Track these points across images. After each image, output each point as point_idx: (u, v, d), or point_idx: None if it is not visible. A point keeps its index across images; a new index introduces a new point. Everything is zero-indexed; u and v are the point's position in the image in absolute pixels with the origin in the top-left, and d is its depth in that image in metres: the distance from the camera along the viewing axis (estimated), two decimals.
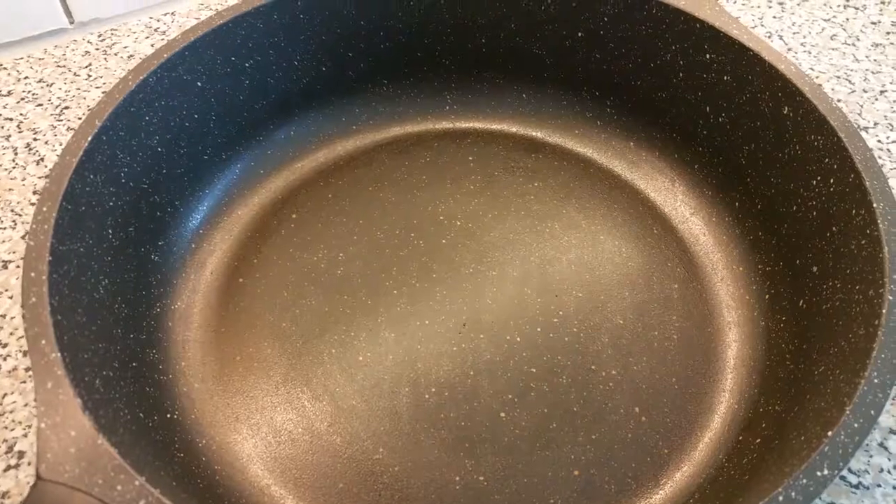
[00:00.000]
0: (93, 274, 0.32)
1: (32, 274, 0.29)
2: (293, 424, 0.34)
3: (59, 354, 0.26)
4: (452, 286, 0.38)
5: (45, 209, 0.31)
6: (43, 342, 0.27)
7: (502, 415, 0.34)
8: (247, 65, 0.41)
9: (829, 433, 0.25)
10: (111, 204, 0.34)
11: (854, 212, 0.31)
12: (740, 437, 0.33)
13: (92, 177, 0.33)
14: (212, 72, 0.39)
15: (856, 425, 0.25)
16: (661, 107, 0.41)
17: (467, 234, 0.41)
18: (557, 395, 0.34)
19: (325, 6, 0.41)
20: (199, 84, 0.39)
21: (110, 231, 0.34)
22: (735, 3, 0.58)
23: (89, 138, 0.33)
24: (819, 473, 0.24)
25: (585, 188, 0.43)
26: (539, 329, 0.37)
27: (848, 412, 0.26)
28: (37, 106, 0.50)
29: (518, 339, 0.36)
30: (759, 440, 0.32)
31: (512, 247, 0.40)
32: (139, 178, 0.36)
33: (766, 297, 0.36)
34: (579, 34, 0.42)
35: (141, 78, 0.36)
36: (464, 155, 0.45)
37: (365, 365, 0.36)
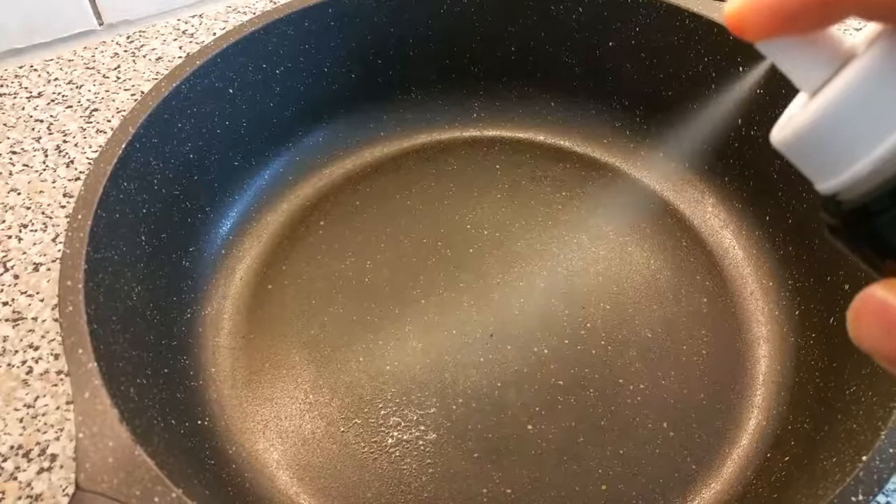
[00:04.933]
0: (126, 281, 0.32)
1: (69, 283, 0.29)
2: (322, 432, 0.34)
3: (95, 364, 0.27)
4: (479, 296, 0.38)
5: (79, 217, 0.31)
6: (80, 352, 0.27)
7: (529, 427, 0.34)
8: (277, 71, 0.41)
9: (864, 457, 0.25)
10: (144, 211, 0.35)
11: None
12: (769, 455, 0.33)
13: (126, 184, 0.34)
14: (243, 79, 0.39)
15: (891, 450, 0.25)
16: (692, 118, 0.41)
17: (494, 243, 0.41)
18: (585, 408, 0.34)
19: (355, 13, 0.41)
20: (230, 91, 0.39)
21: (143, 238, 0.34)
22: None
23: (123, 146, 0.34)
24: (854, 499, 0.24)
25: (613, 199, 0.42)
26: (566, 341, 0.37)
27: (883, 437, 0.25)
28: (66, 108, 0.50)
29: (545, 350, 0.36)
30: (787, 458, 0.32)
31: (539, 257, 0.40)
32: (171, 185, 0.37)
33: (797, 313, 0.36)
34: (610, 44, 0.42)
35: (174, 85, 0.36)
36: (491, 163, 0.45)
37: (392, 374, 0.36)
